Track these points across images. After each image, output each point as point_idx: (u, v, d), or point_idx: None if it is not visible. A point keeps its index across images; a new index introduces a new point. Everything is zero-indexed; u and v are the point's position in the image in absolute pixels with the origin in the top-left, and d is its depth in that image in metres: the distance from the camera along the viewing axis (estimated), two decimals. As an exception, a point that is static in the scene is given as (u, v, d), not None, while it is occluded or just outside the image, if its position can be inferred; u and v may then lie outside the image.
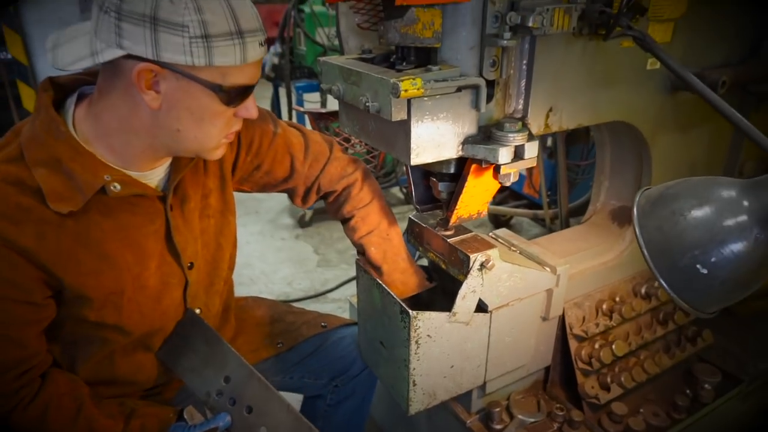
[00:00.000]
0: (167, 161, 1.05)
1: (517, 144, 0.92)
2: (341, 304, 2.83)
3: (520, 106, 1.04)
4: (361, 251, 1.27)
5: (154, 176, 1.03)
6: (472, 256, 1.09)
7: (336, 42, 3.41)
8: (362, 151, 3.28)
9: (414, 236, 1.27)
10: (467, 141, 0.94)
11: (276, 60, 3.47)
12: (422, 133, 0.89)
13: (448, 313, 1.10)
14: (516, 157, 0.92)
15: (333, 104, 3.73)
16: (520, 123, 0.93)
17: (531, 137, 0.94)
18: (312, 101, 3.42)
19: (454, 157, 0.94)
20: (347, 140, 3.18)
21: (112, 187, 0.93)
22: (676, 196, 0.72)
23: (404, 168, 4.10)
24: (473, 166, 0.98)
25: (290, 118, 3.55)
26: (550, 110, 1.08)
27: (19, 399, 0.96)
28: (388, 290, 1.13)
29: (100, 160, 0.93)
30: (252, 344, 1.34)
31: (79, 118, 0.94)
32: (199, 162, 1.12)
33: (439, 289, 1.31)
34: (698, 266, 0.68)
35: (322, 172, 1.29)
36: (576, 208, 2.27)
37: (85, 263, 0.94)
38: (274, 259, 3.30)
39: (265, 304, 1.47)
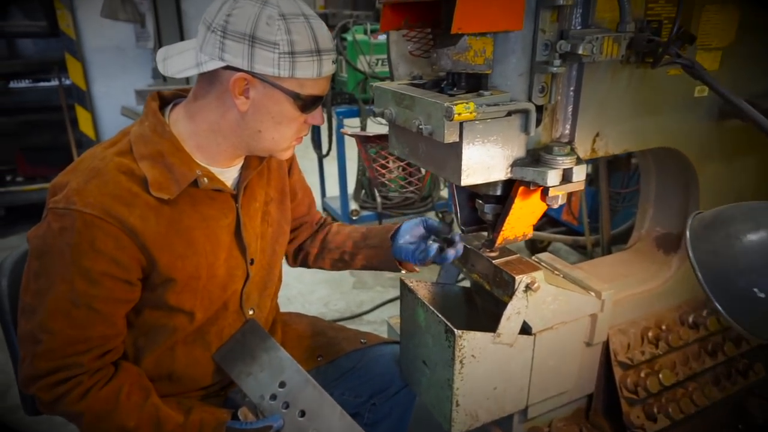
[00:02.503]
0: (240, 162, 1.18)
1: (566, 167, 0.94)
2: (377, 326, 2.84)
3: (567, 131, 1.06)
4: (362, 235, 1.41)
5: (230, 175, 1.17)
6: (518, 278, 1.10)
7: (376, 69, 3.50)
8: (399, 176, 3.33)
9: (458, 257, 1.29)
10: (516, 163, 0.96)
11: (318, 86, 3.58)
12: (473, 155, 0.92)
13: (492, 334, 1.11)
14: (564, 180, 0.94)
15: (372, 129, 3.83)
16: (568, 147, 0.95)
17: (579, 161, 0.96)
18: (352, 126, 3.51)
19: (503, 178, 0.97)
20: (384, 166, 3.24)
21: (203, 180, 1.06)
22: (732, 219, 0.73)
23: (441, 193, 4.14)
24: (521, 189, 1.00)
25: (331, 141, 3.63)
26: (597, 135, 1.10)
27: (96, 380, 1.04)
28: (433, 309, 1.14)
29: (191, 156, 1.08)
30: (294, 356, 1.37)
31: (174, 120, 1.10)
32: (264, 170, 1.25)
33: (482, 310, 1.32)
34: (755, 290, 0.68)
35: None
36: (617, 235, 2.24)
37: (176, 247, 1.06)
38: (310, 279, 3.35)
39: (306, 319, 1.51)
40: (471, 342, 1.09)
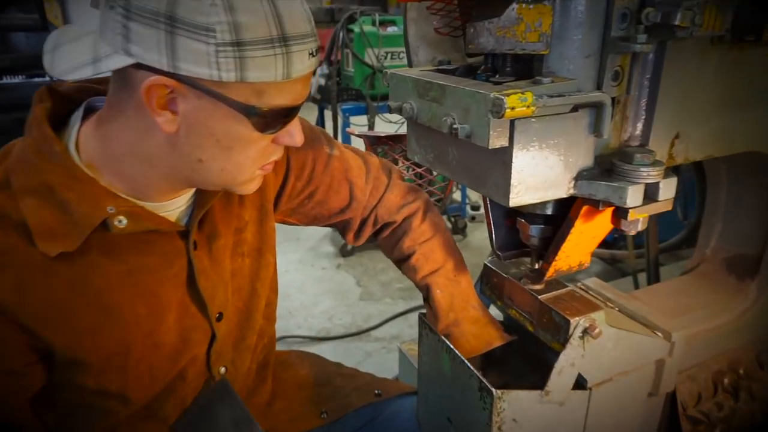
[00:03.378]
0: (190, 191, 0.87)
1: (651, 181, 0.69)
2: (385, 344, 2.60)
3: (638, 132, 0.82)
4: (425, 295, 1.07)
5: (174, 207, 0.84)
6: (573, 321, 0.85)
7: (385, 63, 3.25)
8: (408, 178, 3.08)
9: (490, 287, 1.05)
10: (582, 176, 0.72)
11: (323, 81, 3.34)
12: (526, 166, 0.67)
13: (539, 392, 0.87)
14: (647, 199, 0.70)
15: (382, 129, 3.58)
16: (652, 154, 0.71)
17: (668, 173, 0.71)
18: (359, 125, 3.26)
19: (564, 196, 0.72)
20: (394, 162, 2.99)
21: (116, 222, 0.74)
22: None
23: (453, 195, 3.88)
24: (584, 208, 0.76)
25: (335, 141, 3.40)
26: (676, 137, 0.85)
27: None
28: (462, 358, 0.90)
29: (105, 187, 0.75)
30: (291, 411, 1.13)
31: (85, 138, 0.76)
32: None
33: (520, 351, 1.07)
34: None
35: (380, 201, 1.10)
36: (663, 249, 1.99)
37: (82, 318, 0.76)
38: (314, 290, 3.11)
39: (309, 362, 1.26)
40: (513, 404, 0.85)
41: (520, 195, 0.68)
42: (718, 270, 1.24)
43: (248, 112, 0.69)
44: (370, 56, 3.20)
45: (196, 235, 0.87)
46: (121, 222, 0.74)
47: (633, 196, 0.67)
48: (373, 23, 3.23)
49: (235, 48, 0.63)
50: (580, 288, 1.13)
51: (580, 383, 0.92)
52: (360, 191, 1.08)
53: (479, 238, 3.77)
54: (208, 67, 0.64)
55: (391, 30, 3.28)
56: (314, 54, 0.71)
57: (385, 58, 3.29)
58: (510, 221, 0.98)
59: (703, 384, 1.11)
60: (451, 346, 0.93)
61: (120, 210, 0.74)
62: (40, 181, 0.72)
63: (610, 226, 0.83)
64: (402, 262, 1.12)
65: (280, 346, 2.59)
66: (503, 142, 0.64)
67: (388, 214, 1.11)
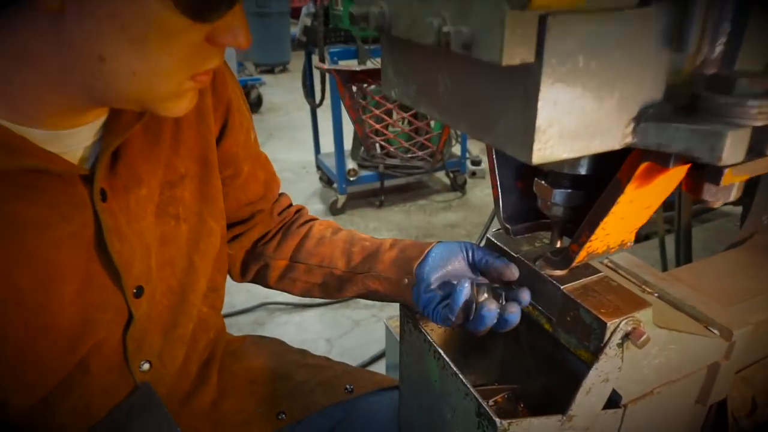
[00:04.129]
0: (100, 116, 0.64)
1: (762, 123, 0.43)
2: (375, 311, 2.39)
3: (718, 51, 0.54)
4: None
5: (77, 141, 0.63)
6: (611, 324, 0.61)
7: (378, 0, 2.90)
8: (404, 131, 2.77)
9: (494, 269, 0.80)
10: (647, 116, 0.45)
11: (308, 21, 3.00)
12: (562, 98, 0.41)
13: (559, 418, 0.64)
14: (753, 153, 0.44)
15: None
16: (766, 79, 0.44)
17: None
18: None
19: (618, 147, 0.46)
20: (379, 119, 2.62)
21: None
22: None
23: (452, 150, 3.56)
24: (644, 167, 0.50)
25: (324, 89, 3.08)
26: (772, 62, 0.58)
27: None
28: (455, 370, 0.66)
29: None
30: (241, 413, 0.91)
31: None
32: (165, 127, 0.72)
33: (528, 348, 0.84)
34: None
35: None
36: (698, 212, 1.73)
37: None
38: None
39: (268, 350, 1.03)
40: (524, 436, 0.62)
41: (549, 146, 0.42)
42: (779, 242, 0.99)
43: None
44: (360, -8, 2.84)
45: (105, 182, 0.65)
46: None
47: (733, 147, 0.41)
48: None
49: None
50: (609, 267, 0.89)
51: (612, 399, 0.69)
52: (274, 182, 0.95)
53: (480, 195, 3.52)
54: None
55: (384, -39, 2.91)
56: None
57: (378, -6, 2.93)
58: (523, 183, 0.73)
59: (758, 386, 0.89)
60: (441, 352, 0.69)
61: None
62: None
63: (667, 190, 0.58)
64: (297, 263, 0.92)
65: (259, 314, 2.36)
66: (526, 55, 0.38)
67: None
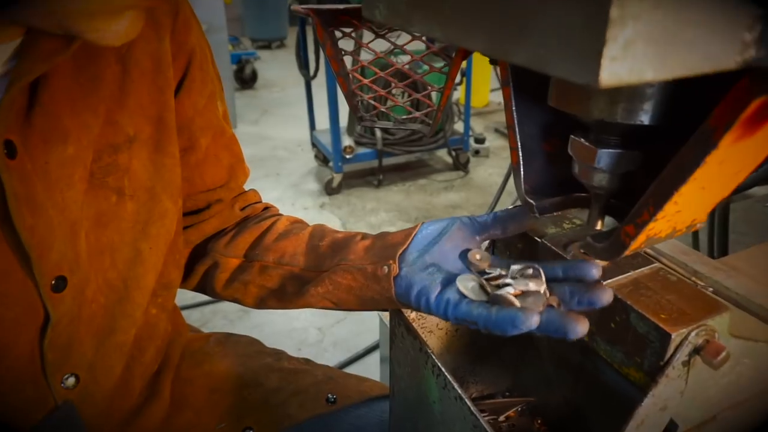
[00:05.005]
0: (13, 39, 0.49)
1: None
2: (371, 298, 2.23)
3: None
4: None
5: None
6: (676, 335, 0.44)
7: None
8: (401, 103, 2.58)
9: (512, 256, 0.63)
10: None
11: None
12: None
13: (600, 459, 0.47)
14: None
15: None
16: None
17: None
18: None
19: (732, 67, 0.28)
20: (372, 75, 2.45)
21: None
22: None
23: (454, 126, 3.34)
24: (757, 104, 0.32)
25: (318, 59, 2.89)
26: None
27: None
28: (459, 391, 0.50)
29: None
30: (198, 427, 0.75)
31: None
32: (106, 71, 0.57)
33: (549, 359, 0.68)
34: None
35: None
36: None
37: None
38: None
39: (235, 351, 0.85)
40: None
41: (628, 59, 0.25)
42: None
43: None
44: (357, -47, 2.64)
45: (16, 132, 0.50)
46: None
47: None
48: None
49: None
50: (649, 256, 0.72)
51: (667, 429, 0.53)
52: (242, 171, 0.78)
53: (483, 175, 3.34)
54: None
55: None
56: None
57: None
58: (551, 145, 0.55)
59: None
60: (442, 368, 0.52)
61: None
62: None
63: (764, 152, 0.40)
64: (252, 261, 0.71)
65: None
66: None
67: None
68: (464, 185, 3.21)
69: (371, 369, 1.78)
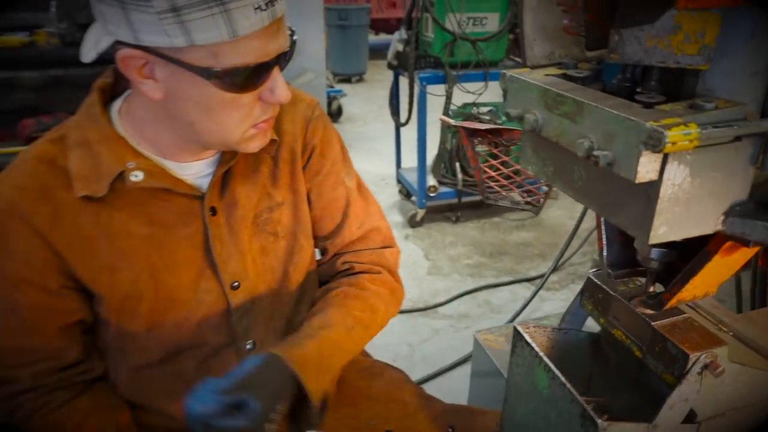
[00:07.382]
0: (213, 154, 0.92)
1: (819, 225, 0.60)
2: (453, 322, 2.58)
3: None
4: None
5: (197, 171, 0.91)
6: (693, 356, 0.78)
7: (466, 30, 3.10)
8: (518, 192, 2.95)
9: (594, 302, 0.98)
10: (734, 212, 0.63)
11: (400, 47, 3.24)
12: (674, 202, 0.60)
13: (647, 425, 0.82)
14: (814, 242, 0.61)
15: (458, 99, 3.43)
16: (826, 192, 0.61)
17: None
18: (436, 94, 3.16)
19: (710, 233, 0.65)
20: (495, 168, 2.81)
21: (131, 177, 0.83)
22: None
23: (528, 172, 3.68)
24: (728, 244, 0.67)
25: (411, 110, 3.31)
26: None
27: (43, 402, 0.89)
28: (563, 379, 0.86)
29: (132, 146, 0.86)
30: (355, 418, 1.08)
31: (124, 110, 0.89)
32: (263, 165, 0.98)
33: (616, 369, 1.02)
34: None
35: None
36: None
37: (101, 256, 0.86)
38: (382, 260, 3.12)
39: (388, 377, 1.18)
40: (618, 437, 0.80)
41: (663, 232, 0.61)
42: None
43: (206, 74, 0.72)
44: (450, 22, 3.05)
45: (216, 202, 0.92)
46: (137, 176, 0.83)
47: (797, 241, 0.59)
48: (457, -14, 3.07)
49: (174, 14, 0.67)
50: (691, 308, 1.05)
51: (689, 416, 0.86)
52: (348, 232, 1.09)
53: (553, 215, 3.63)
54: (160, 35, 0.68)
55: (475, -7, 3.11)
56: (264, 8, 0.70)
57: (467, 24, 3.13)
58: (623, 236, 0.91)
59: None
60: (551, 365, 0.88)
61: (139, 165, 0.84)
62: (84, 137, 0.85)
63: (748, 257, 0.75)
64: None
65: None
66: (653, 176, 0.57)
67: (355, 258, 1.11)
68: (535, 225, 3.51)
69: (456, 382, 2.11)
